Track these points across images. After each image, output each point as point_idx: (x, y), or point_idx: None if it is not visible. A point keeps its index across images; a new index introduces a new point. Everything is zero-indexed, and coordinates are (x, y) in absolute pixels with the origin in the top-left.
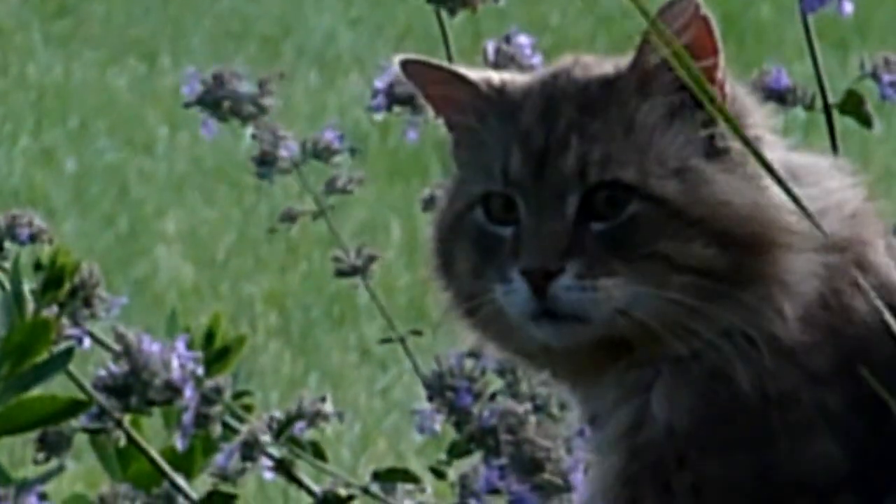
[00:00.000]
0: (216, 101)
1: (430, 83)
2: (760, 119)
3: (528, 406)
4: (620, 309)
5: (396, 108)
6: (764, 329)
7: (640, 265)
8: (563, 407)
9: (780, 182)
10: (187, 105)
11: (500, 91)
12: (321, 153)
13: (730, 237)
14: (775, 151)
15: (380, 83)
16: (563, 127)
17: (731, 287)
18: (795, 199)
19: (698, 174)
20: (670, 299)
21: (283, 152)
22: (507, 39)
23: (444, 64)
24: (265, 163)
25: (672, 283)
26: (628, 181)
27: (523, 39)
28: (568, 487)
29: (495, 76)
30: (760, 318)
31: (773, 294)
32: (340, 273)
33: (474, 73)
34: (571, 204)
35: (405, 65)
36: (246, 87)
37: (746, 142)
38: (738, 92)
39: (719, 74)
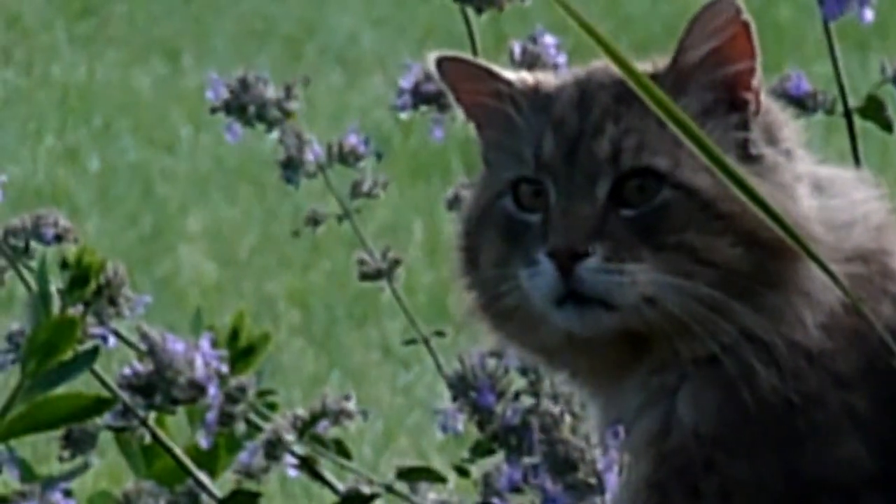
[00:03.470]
0: (241, 106)
1: (464, 80)
2: (792, 133)
3: (560, 405)
4: (646, 296)
5: (422, 108)
6: (783, 334)
7: (667, 255)
8: (585, 406)
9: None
10: (213, 111)
11: (535, 87)
12: (347, 157)
13: (756, 239)
14: (805, 165)
15: (405, 82)
16: (598, 114)
17: (754, 289)
18: (781, 222)
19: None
20: (695, 292)
21: (308, 156)
22: (534, 40)
23: (480, 61)
24: (291, 167)
25: (697, 276)
26: (661, 169)
27: (549, 39)
28: (602, 488)
29: (530, 75)
30: (780, 323)
31: (794, 301)
32: (365, 276)
33: (510, 73)
34: (602, 188)
35: (440, 62)
36: (271, 91)
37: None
38: (771, 105)
39: (755, 81)
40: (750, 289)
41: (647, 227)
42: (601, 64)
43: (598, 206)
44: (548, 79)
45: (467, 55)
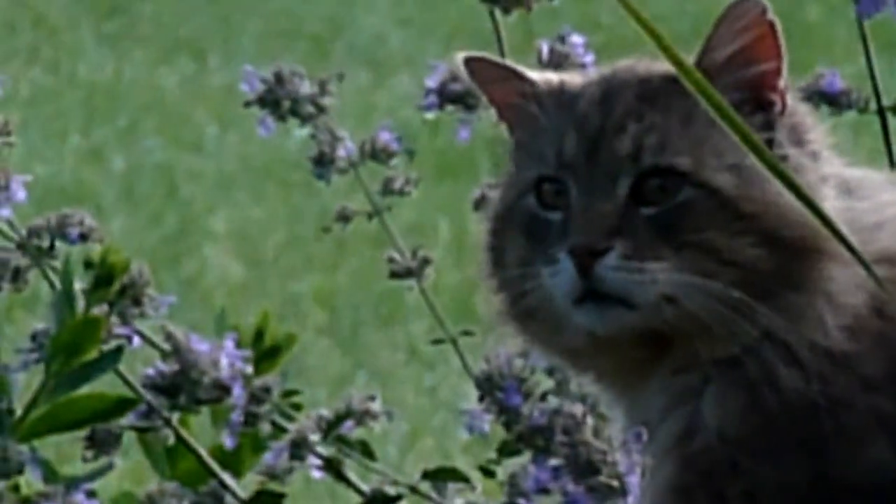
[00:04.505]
0: (275, 100)
1: (492, 80)
2: (819, 136)
3: (581, 407)
4: (666, 295)
5: (448, 107)
6: (804, 335)
7: (687, 254)
8: (610, 409)
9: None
10: (247, 104)
11: (560, 86)
12: (379, 154)
13: (778, 239)
14: (832, 167)
15: (431, 82)
16: (620, 112)
17: (775, 289)
18: (821, 216)
19: (753, 172)
20: (716, 292)
21: (340, 152)
22: (562, 39)
23: (506, 62)
24: (323, 163)
25: (718, 275)
26: (682, 168)
27: (577, 39)
28: (624, 490)
29: (555, 76)
30: (801, 324)
31: (816, 302)
32: (395, 275)
33: (535, 73)
34: (623, 186)
35: (468, 62)
36: (305, 87)
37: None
38: (799, 107)
39: (780, 82)
40: (771, 289)
41: (668, 225)
42: (626, 63)
43: (618, 204)
44: (573, 78)
45: (493, 55)
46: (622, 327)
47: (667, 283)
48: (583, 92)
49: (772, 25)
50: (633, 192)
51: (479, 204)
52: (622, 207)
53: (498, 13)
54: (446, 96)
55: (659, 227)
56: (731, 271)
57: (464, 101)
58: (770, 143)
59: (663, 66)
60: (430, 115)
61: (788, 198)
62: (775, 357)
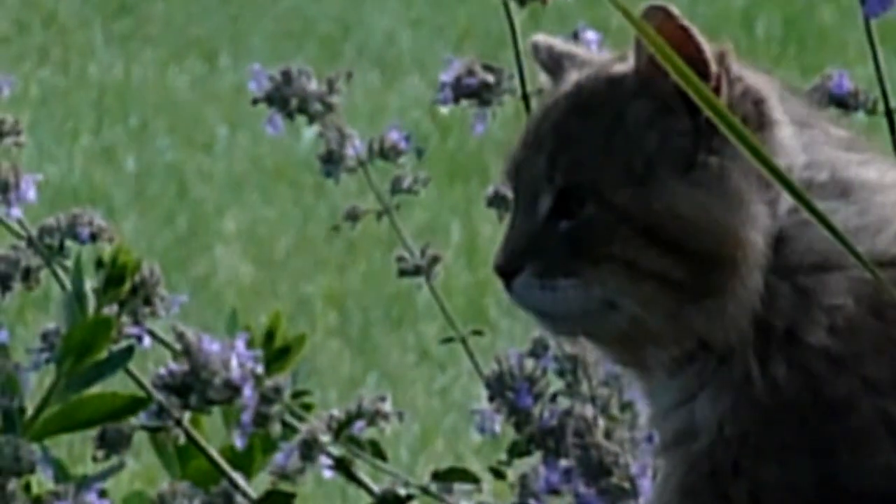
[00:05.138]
0: (284, 98)
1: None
2: (786, 133)
3: (592, 409)
4: (587, 310)
5: (462, 103)
6: (718, 338)
7: (601, 267)
8: (623, 408)
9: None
10: (255, 101)
11: (554, 85)
12: (388, 153)
13: (685, 249)
14: (825, 170)
15: (446, 76)
16: (547, 127)
17: (694, 296)
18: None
19: (659, 184)
20: (625, 303)
21: (349, 151)
22: (575, 36)
23: (569, 47)
24: (331, 161)
25: (633, 287)
26: (588, 185)
27: (591, 35)
28: (635, 492)
29: (574, 75)
30: (717, 330)
31: (727, 307)
32: (404, 273)
33: (574, 71)
34: (543, 204)
35: (536, 47)
36: (313, 85)
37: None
38: (763, 107)
39: (711, 85)
40: (691, 296)
41: (579, 241)
42: (604, 60)
43: (536, 222)
44: (567, 81)
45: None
46: (560, 333)
47: (577, 298)
48: (551, 96)
49: (683, 29)
50: (552, 209)
51: (493, 202)
52: (541, 225)
53: (514, 9)
54: (461, 91)
55: (572, 242)
56: (648, 282)
57: (479, 95)
58: (696, 147)
59: (622, 67)
60: (444, 110)
61: (696, 210)
62: (763, 356)
